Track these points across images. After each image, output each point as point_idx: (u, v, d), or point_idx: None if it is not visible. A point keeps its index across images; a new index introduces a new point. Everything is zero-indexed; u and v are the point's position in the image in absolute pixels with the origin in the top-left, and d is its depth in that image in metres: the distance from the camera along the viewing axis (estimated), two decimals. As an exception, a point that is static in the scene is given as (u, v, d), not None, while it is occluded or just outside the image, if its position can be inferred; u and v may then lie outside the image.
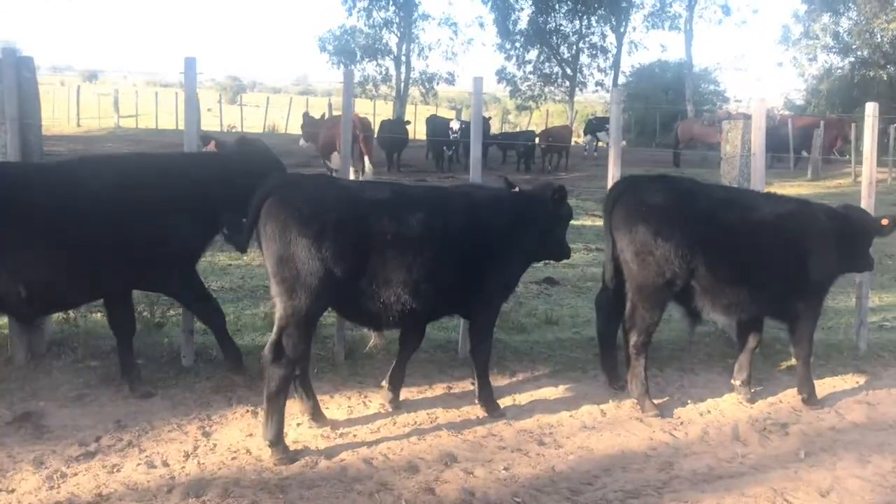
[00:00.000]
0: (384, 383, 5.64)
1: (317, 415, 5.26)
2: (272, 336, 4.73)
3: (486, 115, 36.32)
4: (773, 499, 4.51)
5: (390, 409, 5.54)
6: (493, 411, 5.56)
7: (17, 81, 5.68)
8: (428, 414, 5.55)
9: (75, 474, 4.47)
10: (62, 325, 6.38)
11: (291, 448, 4.88)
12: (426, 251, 4.94)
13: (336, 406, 5.59)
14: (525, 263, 5.84)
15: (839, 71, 40.11)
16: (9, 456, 4.63)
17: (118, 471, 4.54)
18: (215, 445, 4.93)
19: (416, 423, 5.41)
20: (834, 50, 39.97)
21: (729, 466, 4.95)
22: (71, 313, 6.44)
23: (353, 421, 5.39)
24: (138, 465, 4.62)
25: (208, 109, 44.60)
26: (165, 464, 4.66)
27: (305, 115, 23.35)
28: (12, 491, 4.26)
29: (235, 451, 4.85)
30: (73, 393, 5.55)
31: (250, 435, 5.08)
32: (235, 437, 5.04)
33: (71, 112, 39.59)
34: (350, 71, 6.63)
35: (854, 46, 38.21)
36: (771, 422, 5.67)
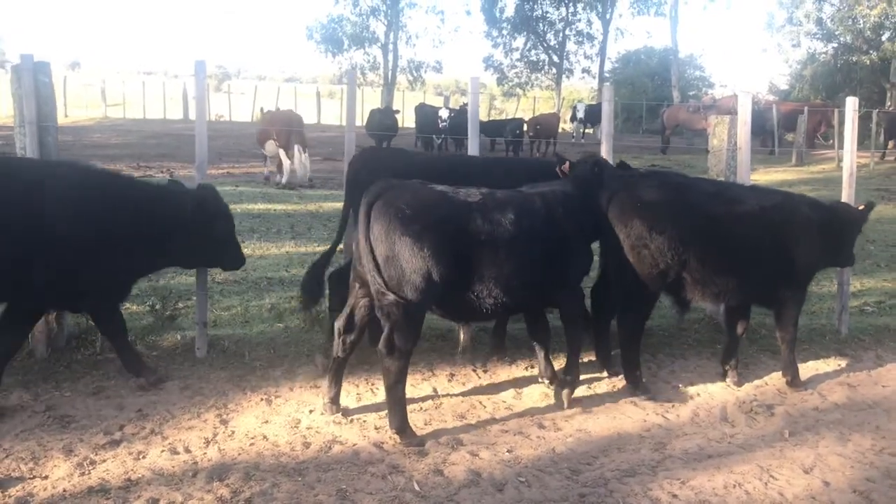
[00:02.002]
0: None
1: (335, 402, 5.55)
2: (385, 331, 5.03)
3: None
4: (760, 475, 4.81)
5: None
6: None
7: (34, 86, 5.88)
8: (433, 400, 5.83)
9: (104, 461, 4.72)
10: (79, 319, 6.59)
11: (304, 433, 5.17)
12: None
13: (346, 393, 5.84)
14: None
15: (822, 56, 40.52)
16: (39, 444, 4.88)
17: (144, 457, 4.79)
18: (233, 432, 5.19)
19: (421, 409, 5.69)
20: (817, 36, 40.35)
21: (718, 446, 5.25)
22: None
23: (363, 408, 5.66)
24: (162, 451, 4.87)
25: (193, 98, 44.59)
26: (188, 450, 4.91)
27: (261, 109, 24.21)
28: (46, 477, 4.50)
29: (253, 438, 5.11)
30: (93, 385, 5.80)
31: (266, 422, 5.35)
32: (252, 424, 5.30)
33: (58, 102, 39.28)
34: (353, 74, 6.85)
35: (837, 32, 38.58)
36: (757, 403, 5.97)
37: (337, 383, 5.57)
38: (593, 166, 6.07)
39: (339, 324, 5.46)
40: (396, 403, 5.14)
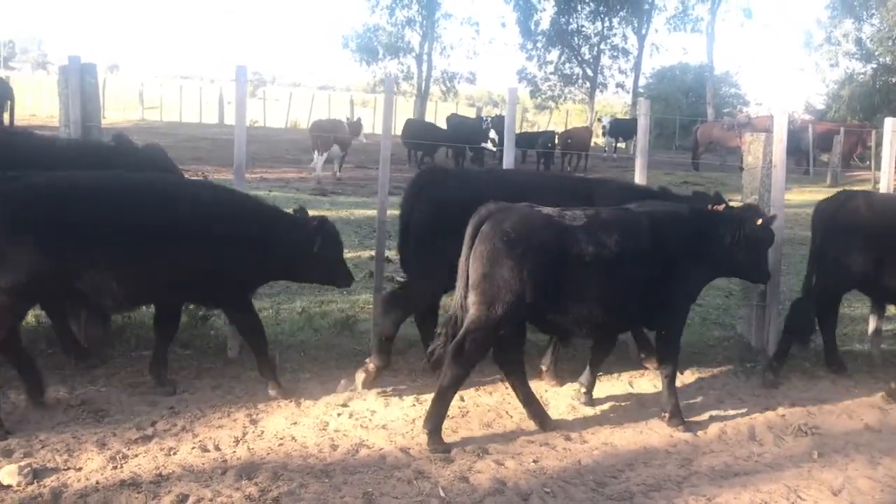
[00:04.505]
0: None
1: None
2: (458, 337, 5.18)
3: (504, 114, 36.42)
4: (787, 495, 4.78)
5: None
6: (678, 424, 5.79)
7: (80, 86, 6.04)
8: (459, 408, 5.86)
9: (135, 455, 4.81)
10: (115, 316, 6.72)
11: (332, 436, 5.23)
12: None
13: (372, 398, 5.91)
14: (707, 278, 6.12)
15: (861, 77, 40.02)
16: (74, 437, 4.99)
17: (174, 453, 4.88)
18: (262, 432, 5.26)
19: (448, 416, 5.65)
20: (856, 56, 39.91)
21: (745, 464, 5.22)
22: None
23: (390, 413, 5.71)
24: (193, 448, 4.96)
25: (228, 103, 45.12)
26: (218, 448, 4.99)
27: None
28: (80, 469, 4.60)
29: (282, 438, 5.18)
30: (128, 380, 5.92)
31: (295, 423, 5.42)
32: (281, 425, 5.37)
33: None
34: (391, 81, 6.93)
35: (876, 53, 38.12)
36: (786, 423, 5.93)
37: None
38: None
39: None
40: (439, 407, 5.26)
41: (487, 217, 5.22)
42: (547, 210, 5.38)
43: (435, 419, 5.24)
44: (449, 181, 6.38)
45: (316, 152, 20.03)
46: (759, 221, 5.79)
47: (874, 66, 39.20)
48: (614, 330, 6.07)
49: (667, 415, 5.82)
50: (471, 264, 5.20)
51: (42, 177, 5.14)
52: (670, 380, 5.85)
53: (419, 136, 25.76)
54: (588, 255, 5.24)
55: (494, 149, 25.37)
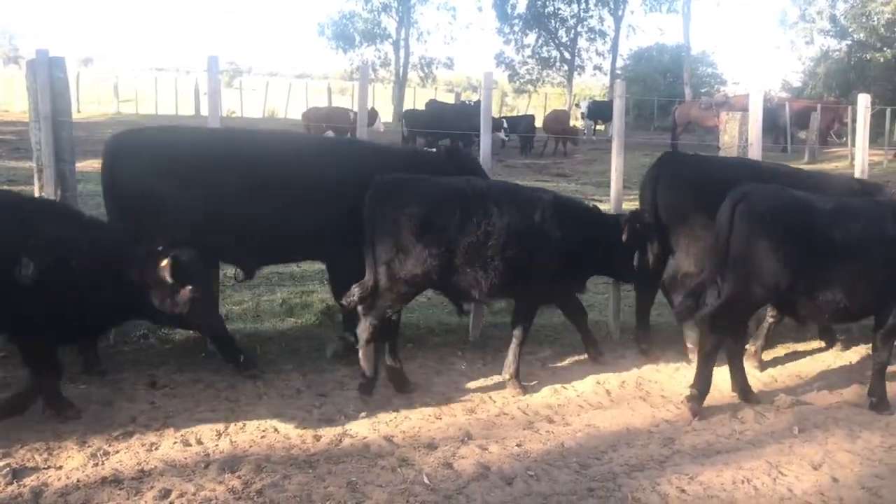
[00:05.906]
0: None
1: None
2: (712, 310, 5.58)
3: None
4: (769, 471, 4.81)
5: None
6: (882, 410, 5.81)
7: (49, 81, 5.94)
8: (443, 395, 5.86)
9: (117, 452, 4.76)
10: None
11: (320, 427, 5.22)
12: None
13: (356, 387, 5.89)
14: None
15: (836, 54, 40.34)
16: (54, 435, 4.93)
17: (156, 448, 4.84)
18: (245, 425, 5.22)
19: (432, 403, 5.72)
20: (830, 33, 40.16)
21: (727, 442, 5.25)
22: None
23: (374, 402, 5.67)
24: (175, 443, 4.91)
25: (204, 94, 44.69)
26: (200, 442, 4.95)
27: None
28: (60, 468, 4.55)
29: (264, 430, 5.15)
30: (108, 377, 5.86)
31: (277, 415, 5.39)
32: (263, 417, 5.34)
33: (70, 98, 39.41)
34: (366, 69, 6.90)
35: (850, 30, 38.39)
36: (767, 399, 5.96)
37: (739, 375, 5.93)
38: None
39: None
40: (704, 371, 5.62)
41: (742, 198, 5.36)
42: (800, 193, 5.54)
43: (703, 384, 5.61)
44: (693, 164, 6.90)
45: None
46: None
47: (849, 42, 39.51)
48: (855, 317, 6.06)
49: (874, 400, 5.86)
50: (733, 244, 5.43)
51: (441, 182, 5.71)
52: (882, 368, 5.87)
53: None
54: (838, 239, 5.34)
55: (507, 138, 25.65)
